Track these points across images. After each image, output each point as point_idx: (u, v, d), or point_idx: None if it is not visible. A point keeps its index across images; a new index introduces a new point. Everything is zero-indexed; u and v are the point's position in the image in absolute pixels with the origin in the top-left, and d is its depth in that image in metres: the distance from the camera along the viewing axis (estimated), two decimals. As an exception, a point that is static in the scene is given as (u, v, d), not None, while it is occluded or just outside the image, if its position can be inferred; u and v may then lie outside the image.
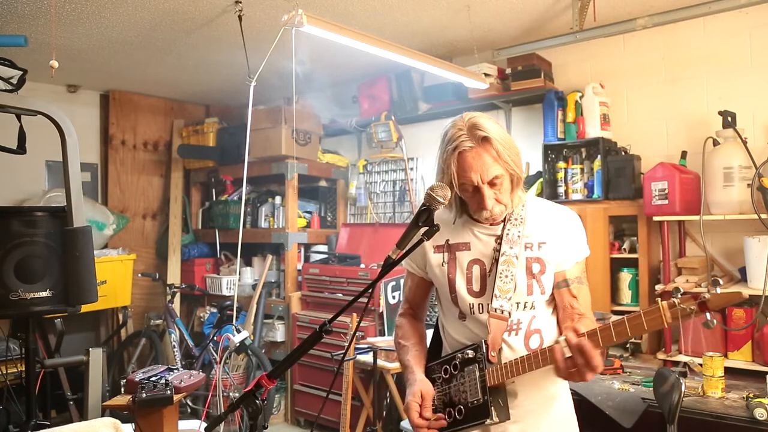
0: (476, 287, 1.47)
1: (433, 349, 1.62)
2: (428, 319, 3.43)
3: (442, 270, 1.52)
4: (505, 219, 1.48)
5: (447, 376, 1.46)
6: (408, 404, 1.43)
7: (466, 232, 1.50)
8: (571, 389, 2.43)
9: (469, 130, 1.39)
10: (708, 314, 1.03)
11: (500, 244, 1.46)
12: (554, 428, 1.48)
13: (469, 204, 1.46)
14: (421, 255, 1.56)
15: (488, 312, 1.43)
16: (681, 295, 1.09)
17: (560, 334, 1.49)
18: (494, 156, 1.38)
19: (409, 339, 1.60)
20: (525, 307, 1.46)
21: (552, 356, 1.28)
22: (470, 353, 1.42)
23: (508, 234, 1.46)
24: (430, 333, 1.67)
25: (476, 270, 1.48)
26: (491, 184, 1.39)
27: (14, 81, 2.13)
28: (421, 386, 1.45)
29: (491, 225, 1.50)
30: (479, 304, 1.46)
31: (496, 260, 1.45)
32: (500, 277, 1.42)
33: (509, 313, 1.42)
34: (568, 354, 1.25)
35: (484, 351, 1.39)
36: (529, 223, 1.48)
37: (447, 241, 1.52)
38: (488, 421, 1.34)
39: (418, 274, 1.62)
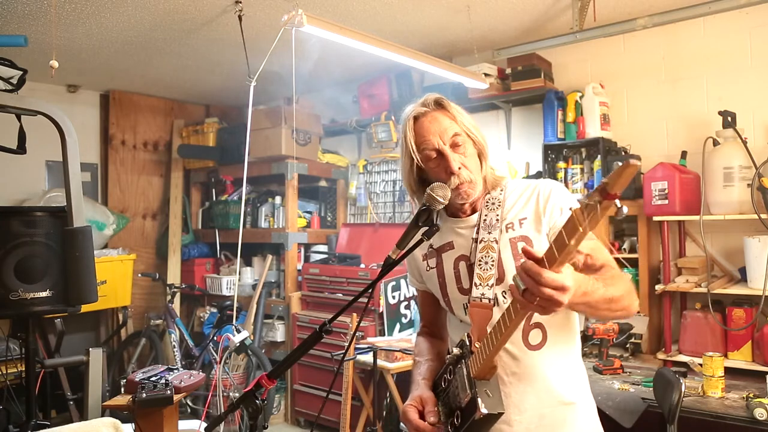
0: (466, 284, 1.39)
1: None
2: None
3: (433, 276, 1.46)
4: (480, 205, 1.42)
5: (445, 384, 1.34)
6: (404, 409, 1.33)
7: (448, 232, 1.44)
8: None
9: (422, 101, 1.40)
10: (617, 202, 0.92)
11: (478, 231, 1.38)
12: None
13: (437, 176, 1.37)
14: (416, 267, 1.52)
15: (469, 303, 1.33)
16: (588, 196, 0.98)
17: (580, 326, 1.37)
18: (451, 117, 1.38)
19: (423, 355, 1.52)
20: None
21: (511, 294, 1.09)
22: (456, 351, 1.32)
23: (485, 220, 1.39)
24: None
25: (462, 267, 1.40)
26: (454, 145, 1.35)
27: (14, 81, 2.12)
28: (420, 392, 1.36)
29: (468, 215, 1.42)
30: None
31: (476, 248, 1.37)
32: (479, 265, 1.34)
33: (492, 302, 1.31)
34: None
35: (468, 344, 1.29)
36: (507, 204, 1.40)
37: (431, 246, 1.47)
38: (476, 415, 1.20)
39: (420, 288, 1.56)
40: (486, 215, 1.40)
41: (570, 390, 1.35)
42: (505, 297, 1.33)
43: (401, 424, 3.17)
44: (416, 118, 1.38)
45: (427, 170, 1.39)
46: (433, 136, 1.35)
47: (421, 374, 1.44)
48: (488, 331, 1.28)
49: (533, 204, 1.38)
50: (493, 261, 1.34)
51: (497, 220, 1.37)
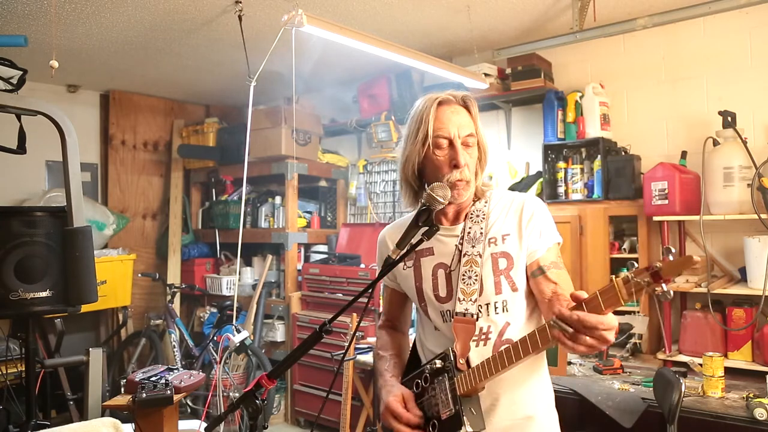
0: (443, 292, 1.40)
1: (411, 365, 1.53)
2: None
3: (409, 278, 1.47)
4: (465, 216, 1.42)
5: (419, 390, 1.37)
6: (389, 404, 1.34)
7: None
8: (570, 389, 2.46)
9: (449, 92, 1.41)
10: (664, 285, 0.94)
11: (462, 243, 1.39)
12: None
13: (439, 167, 1.36)
14: None
15: (453, 317, 1.35)
16: (634, 269, 1.00)
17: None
18: (471, 118, 1.39)
19: (387, 350, 1.55)
20: (497, 310, 1.35)
21: (556, 339, 1.10)
22: (438, 363, 1.33)
23: (469, 232, 1.39)
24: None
25: (441, 274, 1.41)
26: (465, 144, 1.36)
27: (14, 81, 2.12)
28: (402, 389, 1.39)
29: (452, 223, 1.44)
30: (448, 311, 1.38)
31: (458, 260, 1.37)
32: (463, 279, 1.35)
33: (476, 317, 1.33)
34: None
35: (452, 359, 1.30)
36: (491, 218, 1.40)
37: None
38: None
39: (390, 285, 1.57)
40: (470, 227, 1.40)
41: (534, 404, 1.38)
42: (480, 310, 1.35)
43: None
44: (440, 104, 1.38)
45: (430, 158, 1.38)
46: (453, 126, 1.36)
47: (388, 370, 1.47)
48: (472, 346, 1.33)
49: (516, 220, 1.39)
50: (476, 276, 1.34)
51: (481, 233, 1.38)
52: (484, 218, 1.40)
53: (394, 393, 1.37)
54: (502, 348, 1.23)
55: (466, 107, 1.40)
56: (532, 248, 1.37)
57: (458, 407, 1.26)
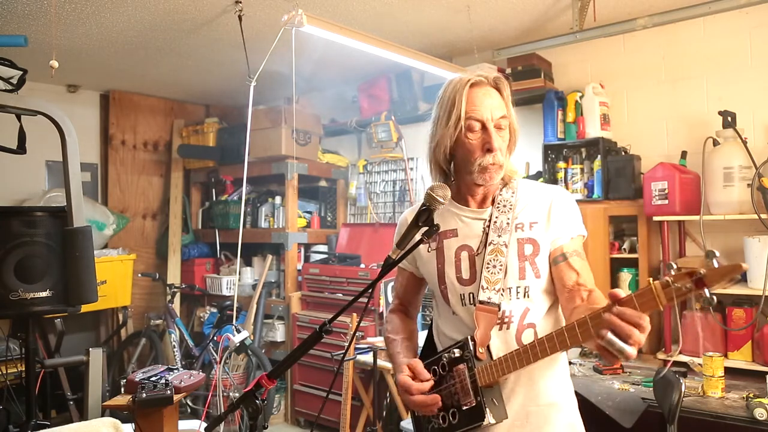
0: (465, 275, 1.39)
1: (426, 352, 1.52)
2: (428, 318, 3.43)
3: (431, 260, 1.45)
4: (492, 201, 1.41)
5: (436, 377, 1.37)
6: (399, 381, 1.34)
7: (453, 218, 1.43)
8: (570, 389, 2.46)
9: (480, 74, 1.39)
10: (707, 290, 0.91)
11: (488, 229, 1.38)
12: None
13: (471, 151, 1.35)
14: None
15: (474, 303, 1.35)
16: (674, 272, 0.97)
17: (565, 320, 1.37)
18: (504, 100, 1.37)
19: (398, 333, 1.55)
20: (518, 294, 1.34)
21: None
22: (457, 352, 1.33)
23: (496, 221, 1.37)
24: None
25: (465, 256, 1.40)
26: (497, 127, 1.34)
27: (14, 81, 2.13)
28: (408, 361, 1.39)
29: (478, 206, 1.42)
30: (470, 294, 1.37)
31: (485, 245, 1.36)
32: (487, 267, 1.34)
33: (498, 305, 1.32)
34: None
35: (471, 348, 1.30)
36: (518, 207, 1.39)
37: None
38: (484, 423, 1.25)
39: (407, 269, 1.57)
40: (497, 217, 1.39)
41: (555, 390, 1.37)
42: (502, 295, 1.34)
43: (401, 423, 3.16)
44: (473, 86, 1.36)
45: (462, 142, 1.36)
46: (485, 109, 1.34)
47: (400, 353, 1.48)
48: (494, 331, 1.32)
49: (546, 209, 1.39)
50: (501, 265, 1.34)
51: (508, 223, 1.37)
52: (511, 208, 1.39)
53: (402, 368, 1.37)
54: (527, 344, 1.22)
55: (498, 89, 1.38)
56: (557, 235, 1.36)
57: (480, 398, 1.26)
